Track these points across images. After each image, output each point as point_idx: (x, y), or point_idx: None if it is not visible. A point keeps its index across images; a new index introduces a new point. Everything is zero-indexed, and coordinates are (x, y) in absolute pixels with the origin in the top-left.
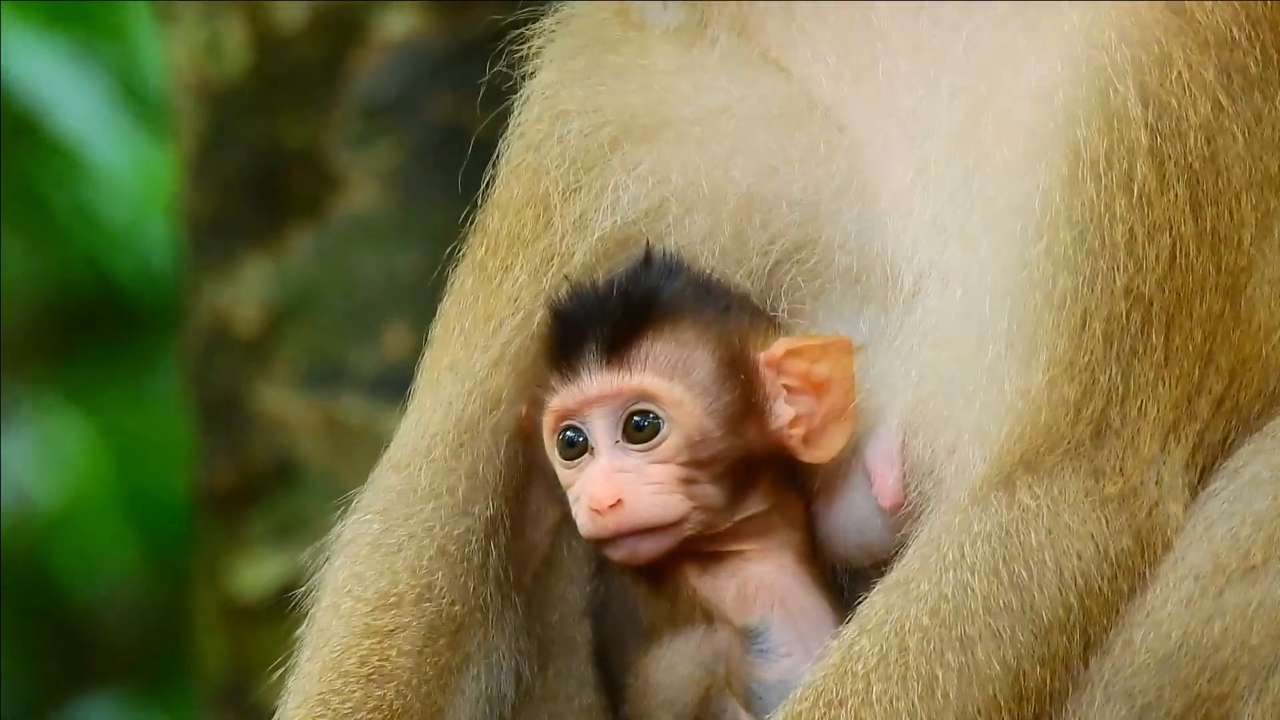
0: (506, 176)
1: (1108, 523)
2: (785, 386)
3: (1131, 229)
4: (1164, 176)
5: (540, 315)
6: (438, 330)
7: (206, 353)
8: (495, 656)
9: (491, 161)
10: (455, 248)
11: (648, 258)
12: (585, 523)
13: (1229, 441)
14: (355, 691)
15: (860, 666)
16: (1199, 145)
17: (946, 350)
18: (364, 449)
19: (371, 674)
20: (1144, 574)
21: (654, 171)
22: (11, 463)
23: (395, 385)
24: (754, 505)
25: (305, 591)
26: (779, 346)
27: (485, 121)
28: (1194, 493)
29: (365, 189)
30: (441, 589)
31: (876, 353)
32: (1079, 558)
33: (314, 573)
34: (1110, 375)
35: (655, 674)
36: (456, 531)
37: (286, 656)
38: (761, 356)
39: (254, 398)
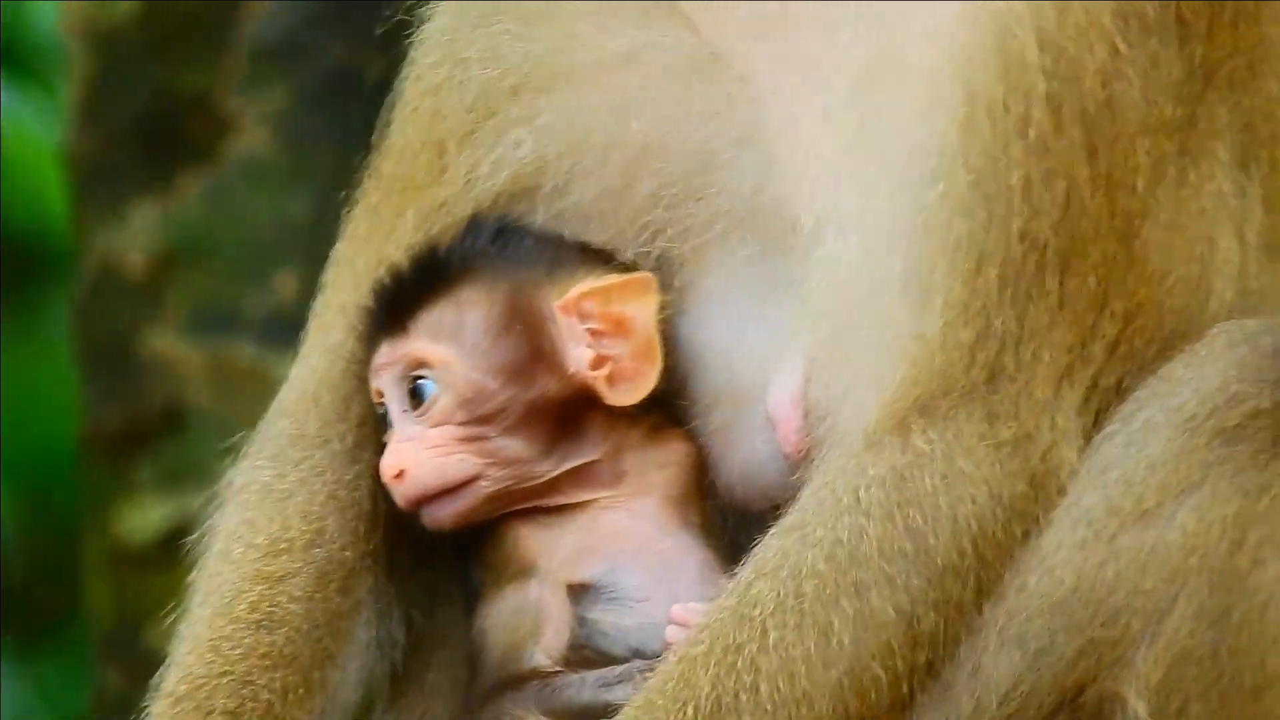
0: (402, 121)
1: (1002, 467)
2: (589, 330)
3: (1027, 174)
4: (1060, 121)
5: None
6: (330, 274)
7: (95, 297)
8: (386, 602)
9: (384, 106)
10: (347, 192)
11: (463, 223)
12: (391, 492)
13: (1124, 386)
14: (245, 637)
15: (757, 612)
16: (1095, 90)
17: (843, 295)
18: (254, 394)
19: (262, 620)
20: (1038, 518)
21: (552, 121)
22: None
23: (286, 330)
24: (585, 453)
25: (196, 537)
26: (574, 290)
27: (378, 66)
28: (1089, 437)
29: (256, 133)
30: (332, 535)
31: (777, 298)
32: (973, 502)
33: (205, 519)
34: (1005, 320)
35: (485, 629)
36: (347, 477)
37: (177, 603)
38: (556, 303)
39: (143, 342)
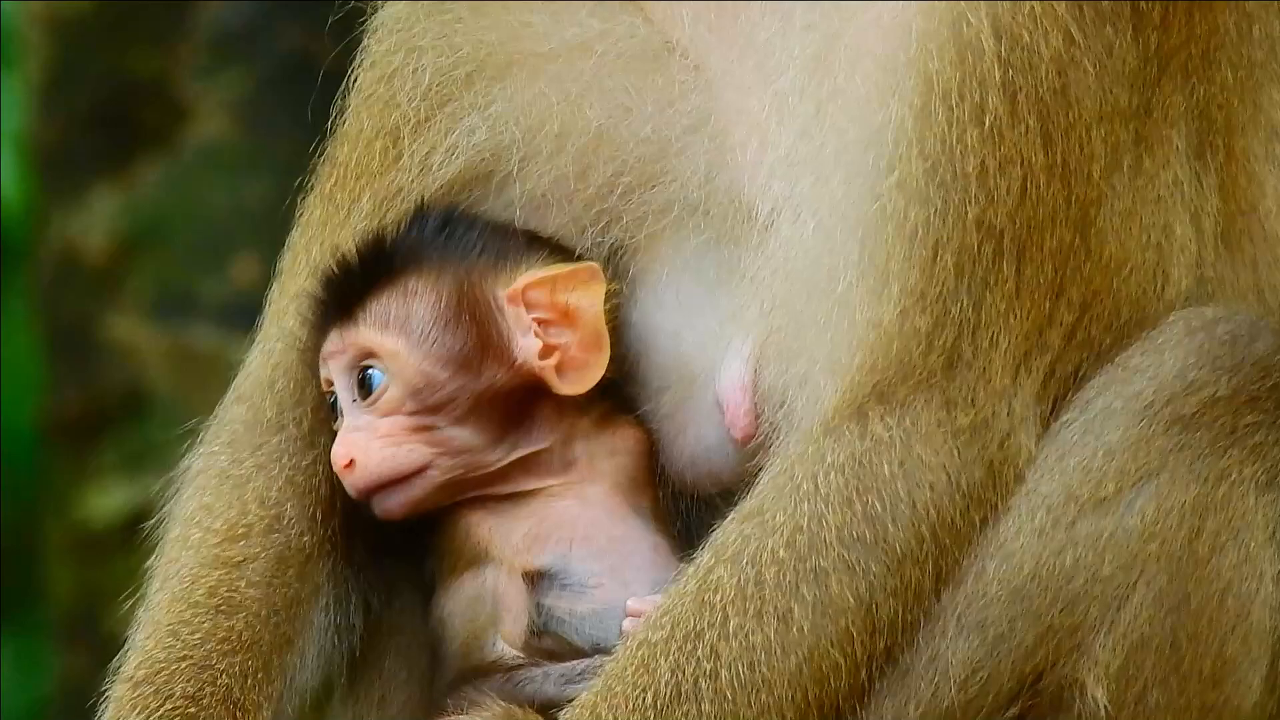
0: (357, 108)
1: (960, 454)
2: (537, 320)
3: (983, 161)
4: (1015, 109)
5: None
6: (286, 261)
7: (55, 282)
8: (344, 587)
9: (340, 92)
10: (304, 178)
11: (410, 214)
12: (343, 482)
13: (1080, 374)
14: (204, 622)
15: (718, 598)
16: (1050, 78)
17: (799, 282)
18: (213, 378)
19: (220, 605)
20: (996, 505)
21: (506, 109)
22: None
23: (244, 315)
24: (534, 441)
25: (155, 522)
26: (520, 280)
27: (334, 52)
28: (1046, 424)
29: (214, 119)
30: (290, 520)
31: (728, 285)
32: (931, 489)
33: (164, 503)
34: (962, 306)
35: (444, 618)
36: (304, 463)
37: (136, 587)
38: (502, 293)
39: (103, 327)
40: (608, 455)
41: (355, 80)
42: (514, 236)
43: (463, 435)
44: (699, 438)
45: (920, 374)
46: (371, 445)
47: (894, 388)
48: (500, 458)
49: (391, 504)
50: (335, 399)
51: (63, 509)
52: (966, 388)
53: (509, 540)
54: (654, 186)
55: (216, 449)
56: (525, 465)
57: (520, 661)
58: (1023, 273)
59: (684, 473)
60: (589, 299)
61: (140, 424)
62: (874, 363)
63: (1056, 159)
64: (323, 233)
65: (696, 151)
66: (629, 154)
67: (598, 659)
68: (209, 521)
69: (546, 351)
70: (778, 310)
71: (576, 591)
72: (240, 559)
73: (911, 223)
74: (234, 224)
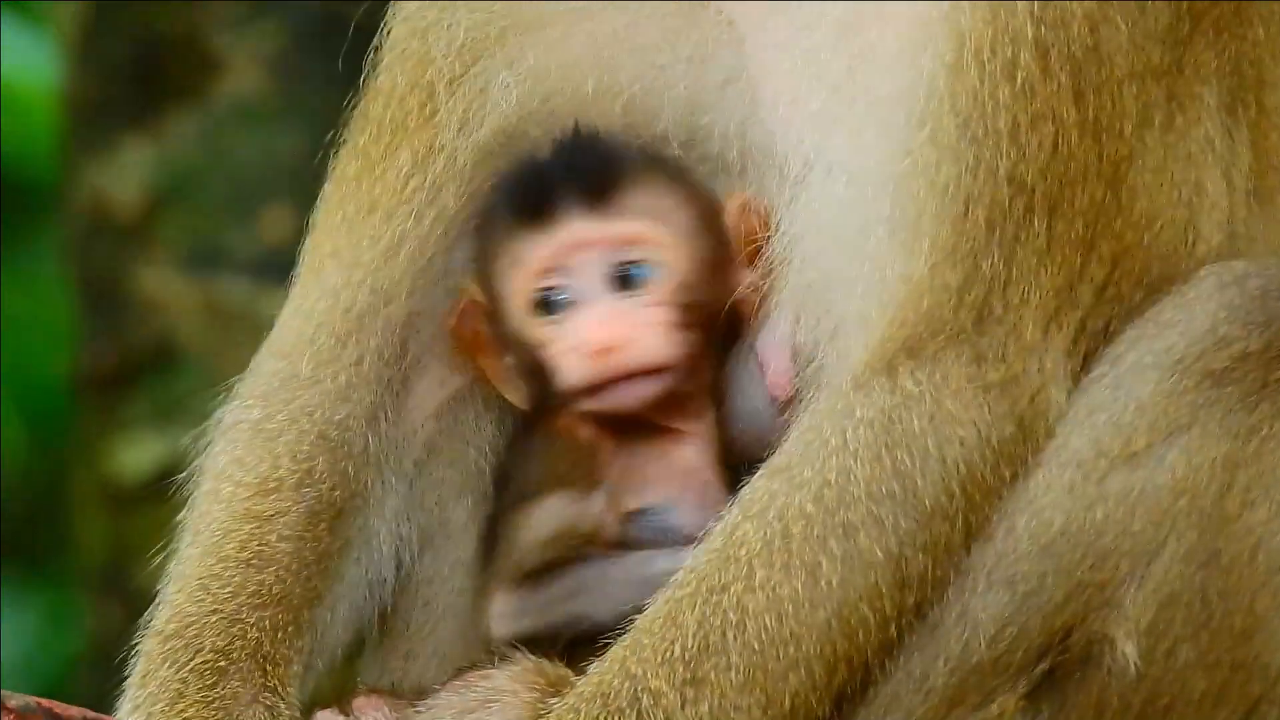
0: (390, 63)
1: (990, 409)
2: (749, 244)
3: (1015, 117)
4: (1047, 65)
5: (488, 191)
6: (320, 216)
7: (87, 235)
8: (375, 541)
9: (372, 46)
10: (336, 132)
11: (579, 130)
12: (579, 369)
13: (1111, 329)
14: (234, 576)
15: (743, 552)
16: (1082, 34)
17: (830, 238)
18: (243, 332)
19: (251, 559)
20: (1026, 460)
21: (540, 66)
22: None
23: (275, 269)
24: (702, 376)
25: (186, 475)
26: (734, 200)
27: (366, 5)
28: (1076, 380)
29: (246, 72)
30: (322, 474)
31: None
32: (961, 444)
33: (195, 457)
34: (992, 262)
35: (520, 531)
36: (337, 417)
37: (167, 541)
38: (727, 207)
39: (134, 280)
40: (710, 423)
41: (388, 34)
42: None
43: (695, 341)
44: (744, 398)
45: (951, 329)
46: (643, 329)
47: (924, 343)
48: (688, 380)
49: (638, 392)
50: (551, 295)
51: (93, 463)
52: (997, 343)
53: (630, 477)
54: (688, 143)
55: (250, 403)
56: (681, 399)
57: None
58: (1054, 228)
59: (732, 434)
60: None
61: (170, 377)
62: (904, 318)
63: (1088, 115)
64: (358, 188)
65: (729, 108)
66: (662, 110)
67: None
68: (240, 475)
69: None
70: (810, 266)
71: (668, 538)
72: (271, 513)
73: (943, 178)
74: (265, 177)
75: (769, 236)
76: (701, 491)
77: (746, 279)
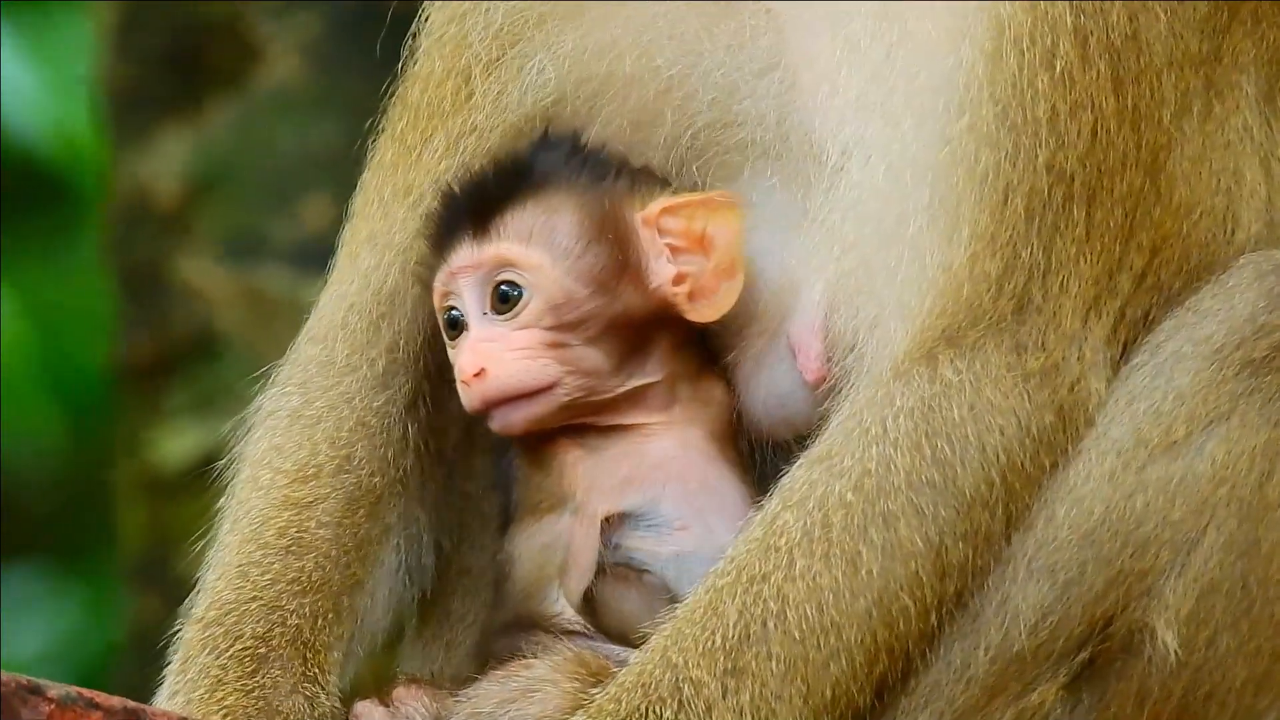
0: (428, 48)
1: (1030, 398)
2: (670, 246)
3: (1054, 105)
4: (1086, 54)
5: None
6: (358, 202)
7: (127, 224)
8: (415, 528)
9: (410, 33)
10: (375, 119)
11: (540, 135)
12: (462, 396)
13: (1150, 318)
14: (274, 563)
15: (783, 541)
16: (1121, 23)
17: (869, 226)
18: (284, 320)
19: (290, 546)
20: (1066, 449)
21: (577, 50)
22: None
23: (315, 256)
24: (648, 373)
25: (226, 463)
26: (655, 205)
27: None
28: (1116, 368)
29: (285, 61)
30: (361, 460)
31: (799, 228)
32: (1001, 433)
33: (234, 444)
34: (1032, 250)
35: (514, 557)
36: (376, 404)
37: (207, 529)
38: (638, 216)
39: (174, 269)
40: (703, 404)
41: (426, 20)
42: (639, 165)
43: (592, 356)
44: (773, 382)
45: (990, 318)
46: (505, 356)
47: (964, 332)
48: (618, 385)
49: (515, 417)
50: (454, 315)
51: (134, 451)
52: (1037, 331)
53: (602, 482)
54: (725, 130)
55: (289, 389)
56: (635, 398)
57: (572, 628)
58: (1093, 217)
59: (760, 419)
60: (726, 226)
61: (211, 366)
62: (944, 306)
63: (1127, 104)
64: (394, 174)
65: (767, 95)
66: (700, 97)
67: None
68: (279, 462)
69: (679, 279)
70: (848, 254)
71: (661, 533)
72: (310, 500)
73: (982, 166)
74: (304, 165)
75: (705, 232)
76: (685, 477)
77: (666, 274)
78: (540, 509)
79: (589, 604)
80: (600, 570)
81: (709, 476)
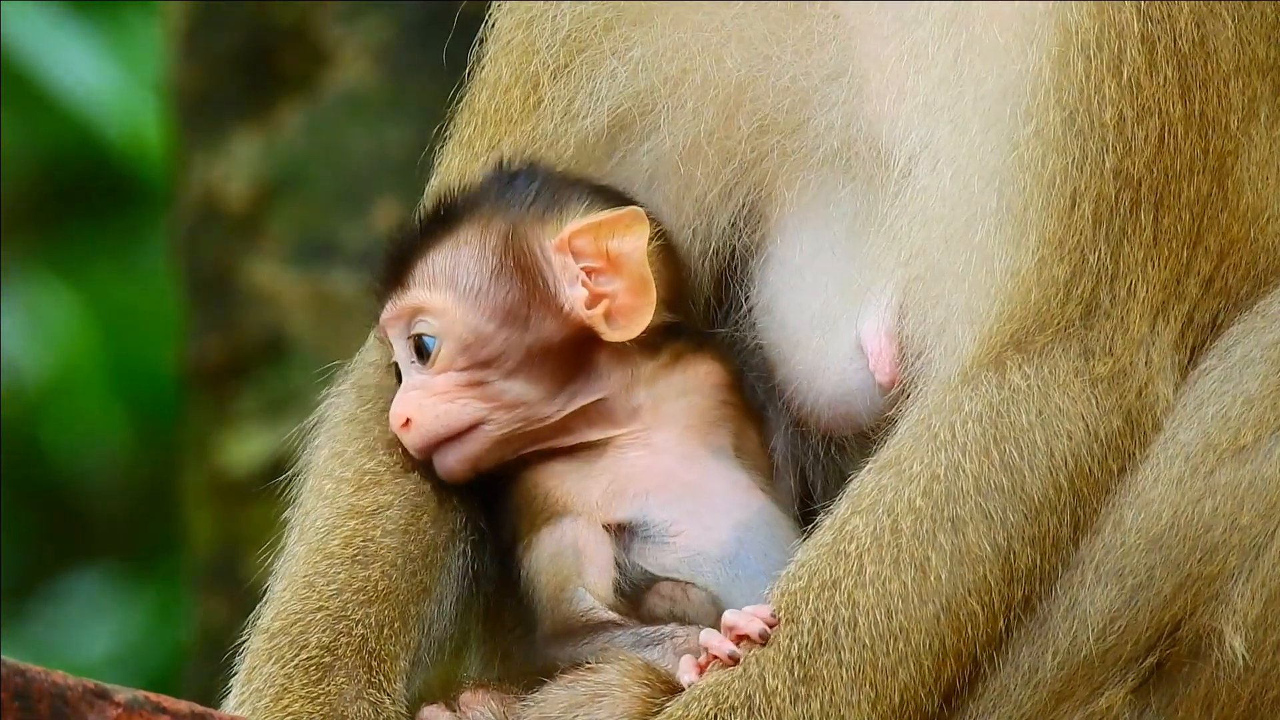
0: (495, 54)
1: (1098, 403)
2: (585, 269)
3: (1121, 111)
4: (1153, 60)
5: None
6: None
7: (196, 228)
8: (480, 533)
9: (478, 38)
10: (444, 124)
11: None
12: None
13: (1218, 322)
14: (340, 573)
15: (853, 547)
16: (1189, 29)
17: (937, 231)
18: (353, 324)
19: (356, 555)
20: (1134, 454)
21: (646, 56)
22: (2, 336)
23: None
24: (593, 391)
25: (293, 470)
26: (566, 229)
27: None
28: (1183, 373)
29: (355, 64)
30: (420, 463)
31: (868, 233)
32: (1069, 438)
33: (300, 452)
34: (1099, 255)
35: (531, 577)
36: None
37: (276, 536)
38: (550, 243)
39: (244, 273)
40: (676, 397)
41: (493, 26)
42: (569, 186)
43: (516, 388)
44: (840, 381)
45: (1058, 323)
46: (425, 403)
47: (1032, 337)
48: (560, 409)
49: (451, 461)
50: (396, 366)
51: (203, 456)
52: (1104, 336)
53: (587, 496)
54: (794, 135)
55: (350, 395)
56: (587, 415)
57: (607, 619)
58: (1160, 222)
59: (820, 414)
60: (632, 243)
61: (280, 370)
62: (1012, 312)
63: (1194, 109)
64: (461, 180)
65: (835, 100)
66: (769, 103)
67: (673, 626)
68: (341, 471)
69: (594, 300)
70: (916, 259)
71: (659, 543)
72: (374, 507)
73: (1049, 172)
74: (374, 170)
75: (612, 250)
76: (664, 484)
77: (578, 298)
78: (538, 525)
79: (618, 597)
80: (648, 583)
81: (689, 477)
